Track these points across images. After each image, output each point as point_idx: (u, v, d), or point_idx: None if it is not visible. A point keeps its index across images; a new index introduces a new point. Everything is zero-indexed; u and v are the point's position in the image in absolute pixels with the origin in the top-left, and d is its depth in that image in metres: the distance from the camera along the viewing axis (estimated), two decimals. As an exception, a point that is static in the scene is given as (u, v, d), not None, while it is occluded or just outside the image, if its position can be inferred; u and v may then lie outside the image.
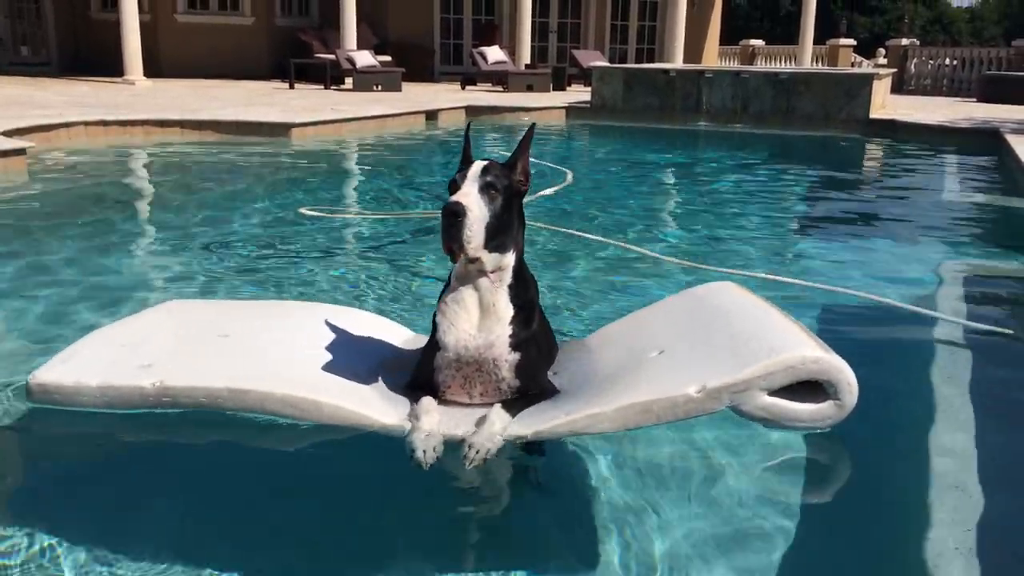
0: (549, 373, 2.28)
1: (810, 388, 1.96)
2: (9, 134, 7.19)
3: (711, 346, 2.12)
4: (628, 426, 1.94)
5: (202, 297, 3.65)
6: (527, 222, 2.19)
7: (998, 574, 1.82)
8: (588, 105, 12.88)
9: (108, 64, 16.29)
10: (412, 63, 17.80)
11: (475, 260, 2.00)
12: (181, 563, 1.83)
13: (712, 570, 1.85)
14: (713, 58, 22.85)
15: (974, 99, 16.74)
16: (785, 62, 22.26)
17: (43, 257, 4.29)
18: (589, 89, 13.30)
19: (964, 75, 19.37)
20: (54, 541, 1.88)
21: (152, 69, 15.62)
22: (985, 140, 9.87)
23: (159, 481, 2.25)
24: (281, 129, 9.14)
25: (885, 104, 13.07)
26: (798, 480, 2.27)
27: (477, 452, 1.87)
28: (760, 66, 21.11)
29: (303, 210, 5.48)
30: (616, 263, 4.42)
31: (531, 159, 2.15)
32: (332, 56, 16.13)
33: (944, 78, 19.92)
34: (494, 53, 17.47)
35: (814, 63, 21.19)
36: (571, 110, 12.79)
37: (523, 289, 2.12)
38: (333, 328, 2.52)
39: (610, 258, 4.50)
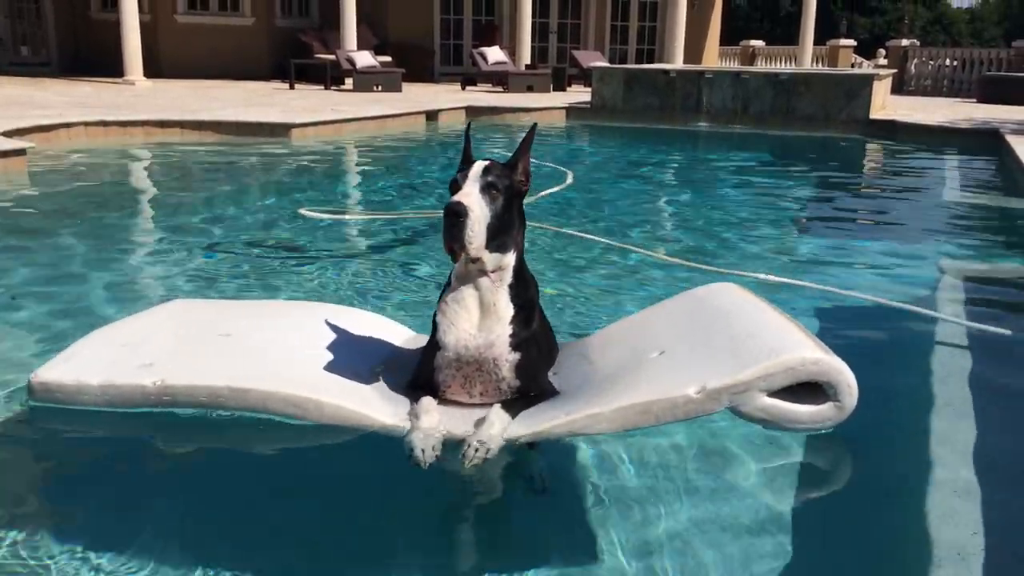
0: (549, 373, 2.28)
1: (810, 389, 1.96)
2: (9, 134, 7.19)
3: (711, 347, 2.12)
4: (627, 427, 1.94)
5: (202, 297, 3.65)
6: (527, 222, 2.19)
7: (998, 574, 1.82)
8: (588, 106, 12.88)
9: (108, 64, 16.29)
10: (412, 64, 17.80)
11: (476, 260, 2.00)
12: (181, 562, 1.83)
13: (712, 570, 1.85)
14: (713, 59, 22.84)
15: (974, 100, 16.74)
16: (785, 63, 22.26)
17: (43, 257, 4.29)
18: (589, 90, 13.30)
19: (964, 76, 19.38)
20: (54, 540, 1.89)
21: (152, 69, 15.62)
22: (985, 141, 9.87)
23: (160, 480, 2.25)
24: (281, 129, 9.15)
25: (885, 105, 13.07)
26: (798, 481, 2.27)
27: (476, 452, 1.87)
28: (760, 67, 21.12)
29: (303, 210, 5.48)
30: (616, 263, 4.42)
31: (531, 159, 2.15)
32: (332, 57, 16.13)
33: (944, 79, 19.93)
34: (494, 54, 17.47)
35: (814, 64, 21.19)
36: (571, 110, 12.79)
37: (523, 289, 2.12)
38: (334, 328, 2.52)
39: (610, 258, 4.51)
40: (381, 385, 2.23)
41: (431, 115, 11.49)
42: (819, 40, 22.26)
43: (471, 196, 1.96)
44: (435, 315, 2.14)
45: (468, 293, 2.08)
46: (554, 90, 16.29)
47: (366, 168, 8.47)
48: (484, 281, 2.06)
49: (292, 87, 15.36)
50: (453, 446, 1.93)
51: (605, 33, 21.53)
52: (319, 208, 5.67)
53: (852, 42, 22.43)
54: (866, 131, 11.28)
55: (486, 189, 1.99)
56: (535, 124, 2.40)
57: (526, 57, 17.98)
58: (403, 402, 2.12)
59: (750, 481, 2.23)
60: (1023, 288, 4.35)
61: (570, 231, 5.00)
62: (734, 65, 22.40)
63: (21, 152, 6.61)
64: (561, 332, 2.62)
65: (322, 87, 15.69)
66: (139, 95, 12.40)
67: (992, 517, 1.98)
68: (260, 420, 2.35)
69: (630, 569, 1.85)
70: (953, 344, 3.18)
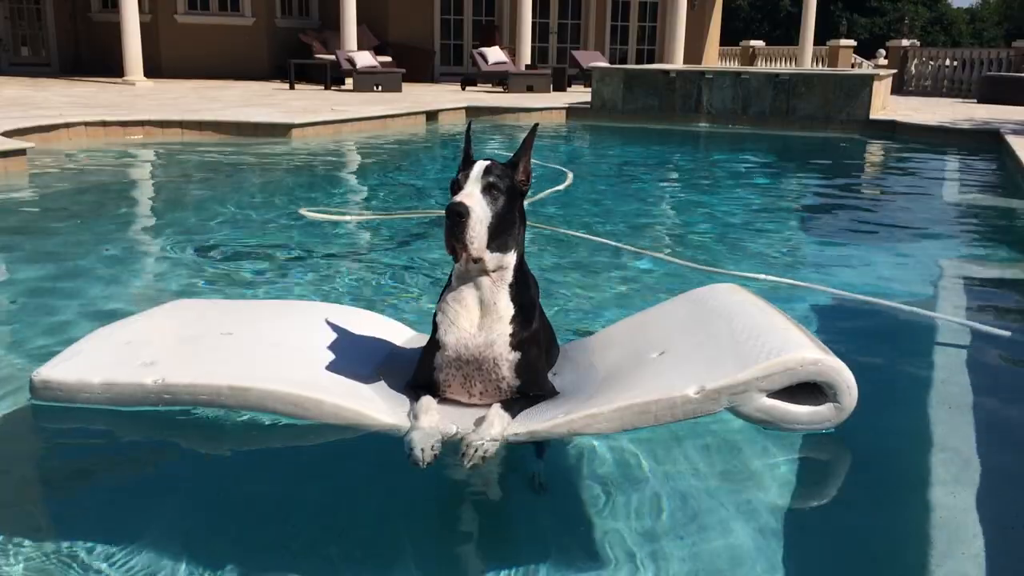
0: (550, 373, 2.29)
1: (809, 390, 1.96)
2: (9, 134, 7.20)
3: (711, 347, 2.12)
4: (626, 427, 1.94)
5: (203, 297, 3.65)
6: (528, 222, 2.19)
7: (998, 574, 1.82)
8: (588, 106, 12.89)
9: (108, 65, 16.32)
10: (412, 64, 17.81)
11: (477, 260, 2.00)
12: (181, 560, 1.83)
13: (712, 569, 1.86)
14: (713, 59, 22.85)
15: (974, 100, 16.74)
16: (785, 63, 22.26)
17: (43, 257, 4.30)
18: (589, 90, 13.30)
19: (964, 76, 19.37)
20: (55, 538, 1.89)
21: (152, 70, 15.63)
22: (985, 141, 9.88)
23: (160, 479, 2.26)
24: (281, 130, 9.15)
25: (885, 105, 13.08)
26: (798, 481, 2.27)
27: (475, 452, 1.87)
28: (760, 67, 21.12)
29: (303, 210, 5.49)
30: (616, 264, 4.42)
31: (532, 159, 2.15)
32: (332, 57, 16.14)
33: (944, 79, 19.92)
34: (494, 54, 17.47)
35: (814, 64, 21.19)
36: (571, 111, 12.79)
37: (524, 288, 2.13)
38: (334, 327, 2.53)
39: (610, 259, 4.51)
40: (381, 384, 2.23)
41: (431, 115, 11.49)
42: (819, 40, 22.27)
43: (472, 196, 1.96)
44: (435, 314, 2.14)
45: (468, 292, 2.08)
46: (554, 90, 16.30)
47: (366, 168, 8.47)
48: (485, 280, 2.07)
49: (292, 87, 15.37)
50: (453, 446, 1.93)
51: (605, 33, 21.53)
52: (319, 208, 5.67)
53: (852, 42, 22.41)
54: (866, 131, 11.28)
55: (487, 189, 1.99)
56: (536, 124, 2.40)
57: (526, 57, 17.98)
58: (403, 401, 2.12)
59: (749, 481, 2.23)
60: (1023, 288, 4.35)
61: (570, 231, 5.00)
62: (734, 65, 22.40)
63: (21, 152, 6.62)
64: (561, 332, 2.62)
65: (322, 87, 15.69)
66: (139, 95, 12.41)
67: (991, 518, 1.98)
68: (261, 419, 2.35)
69: (629, 568, 1.85)
70: (953, 344, 3.19)
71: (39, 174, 6.70)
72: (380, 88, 14.81)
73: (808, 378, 1.93)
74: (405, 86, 15.31)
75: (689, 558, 1.89)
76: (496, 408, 2.02)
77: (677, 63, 17.63)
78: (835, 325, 3.48)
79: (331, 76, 15.70)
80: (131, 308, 3.39)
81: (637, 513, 2.06)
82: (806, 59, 21.00)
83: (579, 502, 2.13)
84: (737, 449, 2.35)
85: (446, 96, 14.16)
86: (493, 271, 2.06)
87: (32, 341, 3.09)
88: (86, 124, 8.59)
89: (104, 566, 1.82)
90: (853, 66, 20.71)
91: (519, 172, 2.10)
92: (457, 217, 1.93)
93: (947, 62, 20.17)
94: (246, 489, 2.23)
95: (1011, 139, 8.89)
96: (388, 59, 17.50)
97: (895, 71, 17.14)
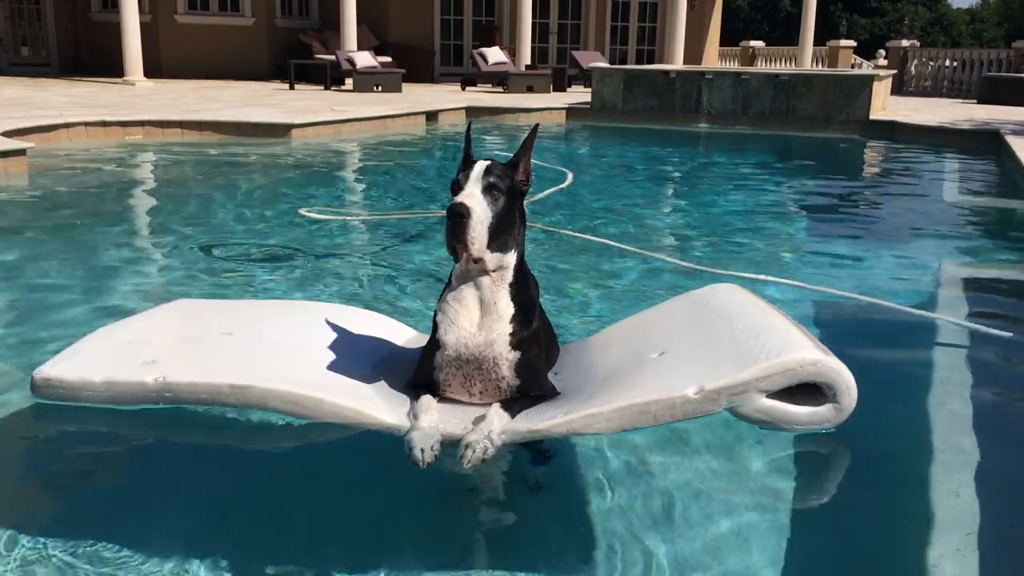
0: (550, 373, 2.29)
1: (809, 390, 1.96)
2: (9, 134, 7.20)
3: (711, 348, 2.12)
4: (626, 427, 1.94)
5: (203, 297, 3.65)
6: (528, 222, 2.19)
7: (998, 574, 1.82)
8: (588, 106, 12.89)
9: (108, 65, 16.32)
10: (412, 64, 17.81)
11: (478, 260, 2.01)
12: (181, 560, 1.83)
13: (711, 570, 1.86)
14: (713, 59, 22.85)
15: (974, 100, 16.74)
16: (785, 63, 22.27)
17: (44, 257, 4.30)
18: (589, 90, 13.30)
19: (964, 76, 19.37)
20: (56, 536, 1.89)
21: (152, 70, 15.63)
22: (985, 141, 9.88)
23: (160, 478, 2.26)
24: (281, 130, 9.15)
25: (885, 105, 13.08)
26: (798, 481, 2.27)
27: (474, 452, 1.87)
28: (760, 67, 21.12)
29: (303, 211, 5.49)
30: (615, 264, 4.42)
31: (532, 160, 2.15)
32: (332, 57, 16.14)
33: (944, 79, 19.92)
34: (494, 54, 17.47)
35: (814, 64, 21.19)
36: (571, 111, 12.79)
37: (524, 288, 2.13)
38: (335, 327, 2.53)
39: (609, 259, 4.51)
40: (381, 384, 2.23)
41: (431, 115, 11.49)
42: (819, 41, 22.27)
43: (473, 197, 1.97)
44: (435, 314, 2.15)
45: (469, 292, 2.09)
46: (554, 91, 16.29)
47: (366, 168, 8.47)
48: (485, 280, 2.07)
49: (292, 87, 15.37)
50: (453, 445, 1.93)
51: (605, 34, 21.53)
52: (319, 208, 5.67)
53: (852, 43, 22.41)
54: (866, 132, 11.28)
55: (488, 190, 1.99)
56: (537, 125, 2.40)
57: (526, 58, 17.98)
58: (403, 401, 2.13)
59: (749, 481, 2.24)
60: (1023, 289, 4.35)
61: (570, 231, 5.00)
62: (734, 66, 22.40)
63: (21, 152, 6.62)
64: (561, 332, 2.62)
65: (322, 87, 15.69)
66: (139, 95, 12.41)
67: (991, 518, 1.98)
68: (261, 418, 2.35)
69: (629, 569, 1.85)
70: (952, 345, 3.19)
71: (39, 174, 6.70)
72: (380, 88, 14.81)
73: (807, 379, 1.93)
74: (405, 86, 15.31)
75: (689, 558, 1.89)
76: (496, 408, 2.02)
77: (677, 63, 17.63)
78: (834, 326, 3.48)
79: (331, 76, 15.70)
80: (132, 308, 3.39)
81: (637, 513, 2.06)
82: (806, 59, 21.01)
83: (579, 502, 2.13)
84: (737, 449, 2.35)
85: (446, 96, 14.16)
86: (493, 271, 2.06)
87: (33, 340, 3.09)
88: (86, 124, 8.59)
89: (104, 565, 1.82)
90: (853, 67, 20.71)
91: (519, 172, 2.11)
92: (458, 218, 1.93)
93: (947, 63, 20.16)
94: (246, 489, 2.23)
95: (1011, 139, 8.90)
96: (388, 59, 17.50)
97: (895, 71, 17.15)
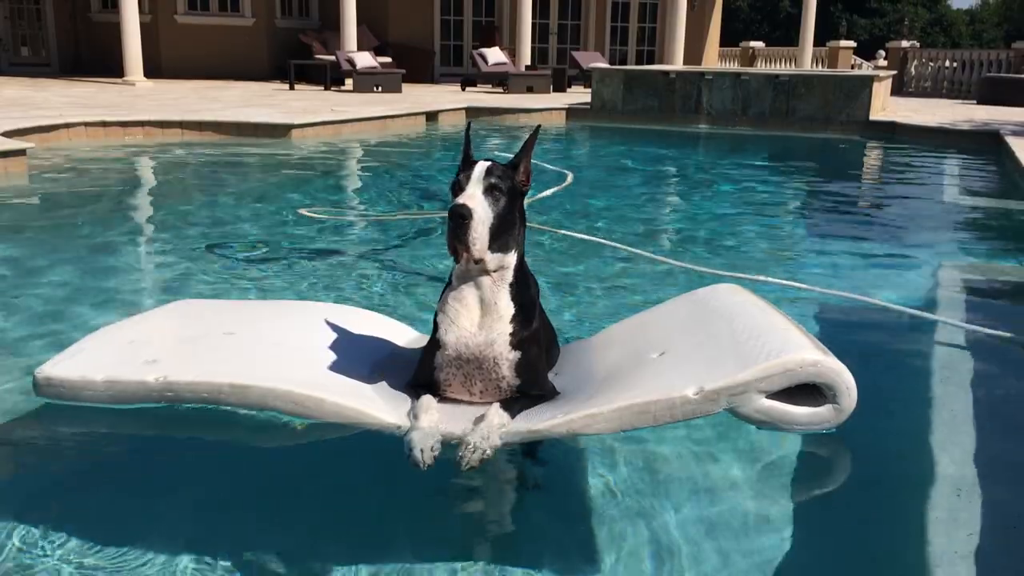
0: (550, 374, 2.29)
1: (809, 391, 1.96)
2: (9, 135, 7.20)
3: (711, 348, 2.12)
4: (625, 427, 1.94)
5: (203, 297, 3.65)
6: (527, 222, 2.20)
7: (998, 575, 1.82)
8: (588, 107, 12.88)
9: (108, 65, 16.32)
10: (412, 64, 17.80)
11: (479, 261, 2.01)
12: (181, 559, 1.84)
13: (711, 570, 1.86)
14: (713, 60, 22.85)
15: (974, 101, 16.74)
16: (785, 64, 22.27)
17: (44, 257, 4.30)
18: (589, 91, 13.30)
19: (964, 77, 19.37)
20: (57, 535, 1.89)
21: (152, 70, 15.63)
22: (985, 142, 9.88)
23: (160, 477, 2.26)
24: (281, 130, 9.15)
25: (885, 106, 13.08)
26: (798, 482, 2.27)
27: (474, 452, 1.87)
28: (760, 68, 21.12)
29: (303, 211, 5.49)
30: (615, 265, 4.43)
31: (532, 160, 2.16)
32: (332, 57, 16.14)
33: (944, 80, 19.92)
34: (494, 55, 17.47)
35: (814, 65, 21.19)
36: (571, 111, 12.79)
37: (524, 288, 2.13)
38: (335, 327, 2.53)
39: (609, 259, 4.51)
40: (382, 384, 2.23)
41: (431, 116, 11.50)
42: (819, 41, 22.27)
43: (474, 198, 1.97)
44: (436, 314, 2.15)
45: (469, 292, 2.09)
46: (554, 91, 16.29)
47: (366, 169, 8.47)
48: (485, 280, 2.07)
49: (292, 88, 15.37)
50: (453, 444, 1.93)
51: (605, 34, 21.53)
52: (319, 208, 5.68)
53: (852, 43, 22.41)
54: (866, 132, 11.28)
55: (489, 191, 1.99)
56: (539, 126, 2.40)
57: (526, 58, 17.98)
58: (404, 401, 2.13)
59: (749, 481, 2.24)
60: (1023, 290, 4.35)
61: (570, 232, 5.00)
62: (734, 66, 22.40)
63: (21, 152, 6.62)
64: (562, 333, 2.62)
65: (322, 88, 15.69)
66: (139, 95, 12.41)
67: (991, 518, 1.98)
68: (261, 418, 2.36)
69: (629, 569, 1.85)
70: (952, 346, 3.19)
71: (39, 174, 6.70)
72: (380, 89, 14.81)
73: (807, 379, 1.93)
74: (405, 87, 15.31)
75: (688, 558, 1.89)
76: (495, 408, 2.02)
77: (677, 64, 17.63)
78: (834, 326, 3.48)
79: (331, 77, 15.70)
80: (132, 307, 3.39)
81: (636, 513, 2.06)
82: (806, 60, 21.01)
83: (579, 502, 2.14)
84: (736, 450, 2.36)
85: (446, 97, 14.16)
86: (494, 271, 2.06)
87: (34, 339, 3.10)
88: (86, 124, 8.59)
89: (104, 564, 1.82)
90: (853, 67, 20.72)
91: (519, 173, 2.11)
92: (460, 219, 1.93)
93: (947, 63, 20.17)
94: (246, 489, 2.23)
95: (1011, 140, 8.90)
96: (388, 60, 17.50)
97: (895, 72, 17.14)
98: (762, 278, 3.91)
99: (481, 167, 2.02)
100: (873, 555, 1.95)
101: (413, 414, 2.02)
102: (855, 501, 2.21)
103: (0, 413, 2.49)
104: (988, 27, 51.63)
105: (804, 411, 1.96)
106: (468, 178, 2.01)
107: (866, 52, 25.66)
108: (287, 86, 15.68)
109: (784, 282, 3.92)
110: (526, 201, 2.19)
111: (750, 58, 23.59)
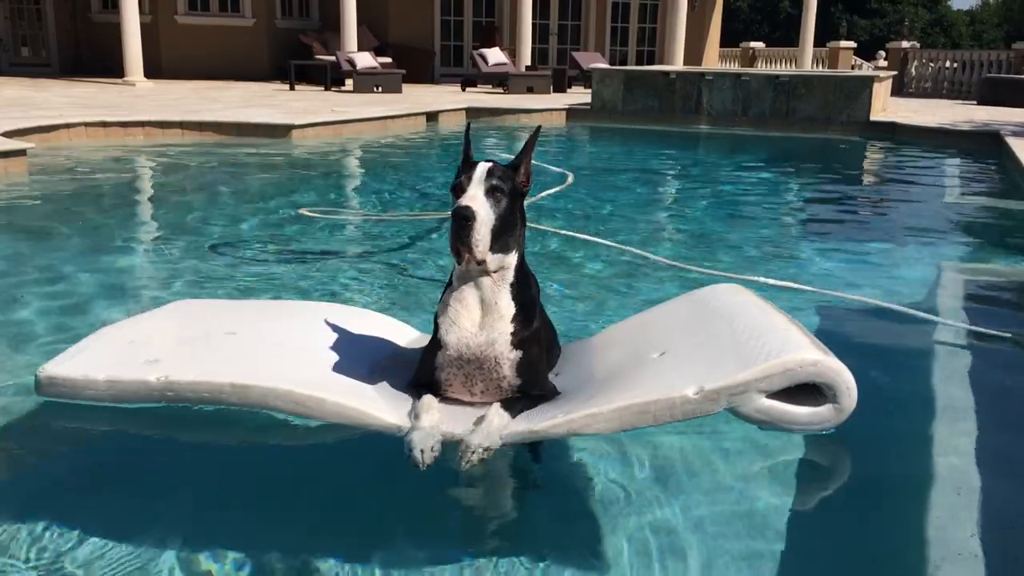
0: (551, 374, 2.29)
1: (809, 391, 1.96)
2: (10, 135, 7.20)
3: (711, 348, 2.12)
4: (626, 427, 1.94)
5: (203, 297, 3.65)
6: (528, 223, 2.20)
7: (998, 575, 1.82)
8: (588, 107, 12.89)
9: (108, 65, 16.32)
10: (412, 65, 17.80)
11: (481, 262, 2.01)
12: (181, 559, 1.84)
13: (711, 569, 1.86)
14: (713, 60, 22.85)
15: (974, 102, 16.74)
16: (785, 64, 22.27)
17: (44, 257, 4.30)
18: (589, 91, 13.31)
19: (964, 78, 19.37)
20: (57, 533, 1.90)
21: (152, 70, 15.64)
22: (985, 143, 9.89)
23: (160, 478, 2.26)
24: (282, 130, 9.16)
25: (885, 106, 13.08)
26: (798, 482, 2.27)
27: (473, 453, 1.88)
28: (760, 68, 21.13)
29: (304, 211, 5.49)
30: (615, 265, 4.43)
31: (532, 161, 2.16)
32: (332, 58, 16.14)
33: (944, 81, 19.92)
34: (494, 55, 17.48)
35: (814, 65, 21.19)
36: (571, 112, 12.79)
37: (525, 288, 2.13)
38: (337, 327, 2.54)
39: (609, 260, 4.51)
40: (383, 384, 2.24)
41: (431, 116, 11.50)
42: (819, 42, 22.27)
43: (477, 199, 1.97)
44: (436, 314, 2.15)
45: (469, 292, 2.09)
46: (554, 91, 16.30)
47: (366, 169, 8.48)
48: (486, 280, 2.07)
49: (292, 88, 15.37)
50: (453, 445, 1.94)
51: (605, 35, 21.53)
52: (319, 208, 5.68)
53: (852, 44, 22.40)
54: (866, 133, 11.28)
55: (491, 192, 2.00)
56: (539, 127, 2.41)
57: (526, 58, 17.98)
58: (404, 401, 2.13)
59: (749, 481, 2.24)
60: (1022, 289, 4.35)
61: (570, 232, 5.01)
62: (734, 67, 22.41)
63: (21, 152, 6.63)
64: (562, 333, 2.62)
65: (322, 88, 15.69)
66: (139, 96, 12.42)
67: (992, 518, 1.98)
68: (262, 417, 2.36)
69: (629, 567, 1.85)
70: (953, 346, 3.19)
71: (39, 174, 6.70)
72: (380, 89, 14.82)
73: (807, 379, 1.93)
74: (405, 87, 15.31)
75: (688, 557, 1.89)
76: (496, 408, 2.02)
77: (677, 64, 17.63)
78: (834, 327, 3.48)
79: (331, 77, 15.70)
80: (134, 307, 3.39)
81: (636, 513, 2.06)
82: (806, 61, 21.01)
83: (579, 502, 2.14)
84: (737, 450, 2.36)
85: (446, 97, 14.16)
86: (495, 271, 2.07)
87: (36, 339, 3.10)
88: (86, 125, 8.59)
89: (104, 563, 1.82)
90: (853, 68, 20.72)
91: (520, 174, 2.11)
92: (464, 221, 1.93)
93: (947, 64, 20.16)
94: (246, 488, 2.23)
95: (1011, 141, 8.90)
96: (388, 60, 17.50)
97: (895, 73, 17.14)
98: (761, 279, 3.91)
99: (483, 168, 2.02)
100: (873, 555, 1.95)
101: (414, 414, 2.02)
102: (855, 501, 2.21)
103: (1, 413, 2.49)
104: (988, 28, 51.63)
105: (804, 411, 1.96)
106: (470, 179, 2.01)
107: (866, 53, 25.65)
108: (287, 86, 15.68)
109: (784, 283, 3.92)
110: (527, 201, 2.19)
111: (750, 59, 23.59)
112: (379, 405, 2.09)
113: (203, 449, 2.42)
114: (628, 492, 2.15)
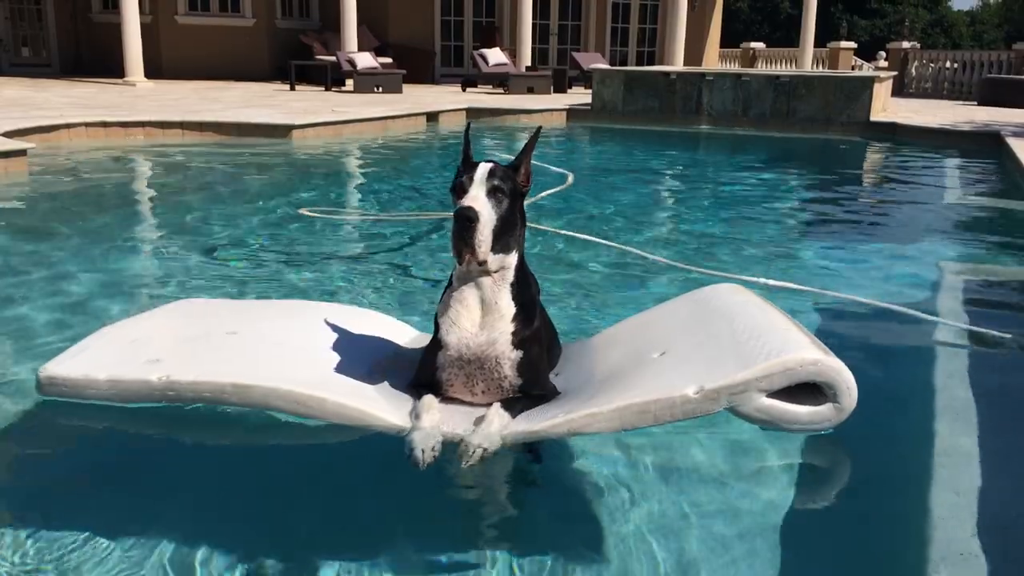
0: (552, 374, 2.29)
1: (809, 390, 1.96)
2: (10, 135, 7.20)
3: (711, 347, 2.12)
4: (626, 426, 1.94)
5: (204, 297, 3.65)
6: (528, 223, 2.20)
7: (998, 575, 1.82)
8: (589, 107, 12.89)
9: (109, 65, 16.32)
10: (413, 65, 17.81)
11: (483, 262, 2.01)
12: (181, 559, 1.84)
13: (711, 569, 1.86)
14: (713, 61, 22.86)
15: (975, 102, 16.74)
16: (786, 65, 22.27)
17: (44, 257, 4.30)
18: (590, 91, 13.31)
19: (964, 78, 19.36)
20: (58, 533, 1.90)
21: (153, 70, 15.64)
22: (986, 143, 9.88)
23: (161, 478, 2.26)
24: (282, 131, 9.16)
25: (886, 107, 13.08)
26: (799, 482, 2.27)
27: (473, 453, 1.88)
28: (760, 69, 21.13)
29: (304, 211, 5.49)
30: (615, 265, 4.43)
31: (532, 161, 2.16)
32: (333, 58, 16.14)
33: (944, 81, 19.92)
34: (495, 55, 17.48)
35: (815, 66, 21.19)
36: (572, 112, 12.79)
37: (525, 287, 2.14)
38: (337, 327, 2.54)
39: (609, 260, 4.51)
40: (384, 384, 2.24)
41: (432, 116, 11.50)
42: (819, 42, 22.27)
43: (479, 200, 1.97)
44: (437, 314, 2.15)
45: (470, 292, 2.09)
46: (554, 92, 16.29)
47: (367, 169, 8.48)
48: (486, 280, 2.08)
49: (293, 88, 15.37)
50: (453, 445, 1.94)
51: (605, 35, 21.54)
52: (320, 208, 5.68)
53: (852, 44, 22.41)
54: (866, 133, 11.28)
55: (492, 192, 2.00)
56: (539, 128, 2.41)
57: (527, 59, 17.99)
58: (406, 401, 2.13)
59: (749, 481, 2.24)
60: (1023, 290, 4.35)
61: (570, 232, 5.01)
62: (734, 67, 22.41)
63: (22, 152, 6.63)
64: (563, 333, 2.62)
65: (322, 88, 15.70)
66: (140, 96, 12.42)
67: (992, 518, 1.98)
68: (263, 419, 2.36)
69: (629, 567, 1.85)
70: (953, 346, 3.19)
71: (40, 175, 6.70)
72: (380, 89, 14.82)
73: (807, 378, 1.93)
74: (405, 87, 15.32)
75: (688, 557, 1.89)
76: (496, 407, 2.02)
77: (677, 65, 17.63)
78: (835, 327, 3.48)
79: (331, 77, 15.70)
80: (134, 307, 3.39)
81: (636, 513, 2.06)
82: (806, 61, 21.01)
83: (578, 502, 2.14)
84: (737, 449, 2.36)
85: (447, 97, 14.16)
86: (495, 271, 2.07)
87: (35, 338, 3.10)
88: (86, 125, 8.59)
89: (104, 563, 1.82)
90: (853, 68, 20.72)
91: (520, 174, 2.11)
92: (467, 222, 1.93)
93: (947, 64, 20.16)
94: (247, 488, 2.23)
95: (1011, 141, 8.90)
96: (388, 60, 17.50)
97: (895, 73, 17.14)
98: (762, 280, 3.91)
99: (484, 169, 2.02)
100: (873, 555, 1.95)
101: (415, 414, 2.02)
102: (855, 501, 2.21)
103: (1, 412, 2.49)
104: (989, 28, 51.63)
105: (805, 410, 1.96)
106: (472, 180, 2.01)
107: (867, 53, 25.65)
108: (288, 87, 15.68)
109: (784, 283, 3.92)
110: (527, 201, 2.19)
111: (751, 59, 23.59)
112: (380, 405, 2.09)
113: (203, 449, 2.42)
114: (628, 492, 2.15)
